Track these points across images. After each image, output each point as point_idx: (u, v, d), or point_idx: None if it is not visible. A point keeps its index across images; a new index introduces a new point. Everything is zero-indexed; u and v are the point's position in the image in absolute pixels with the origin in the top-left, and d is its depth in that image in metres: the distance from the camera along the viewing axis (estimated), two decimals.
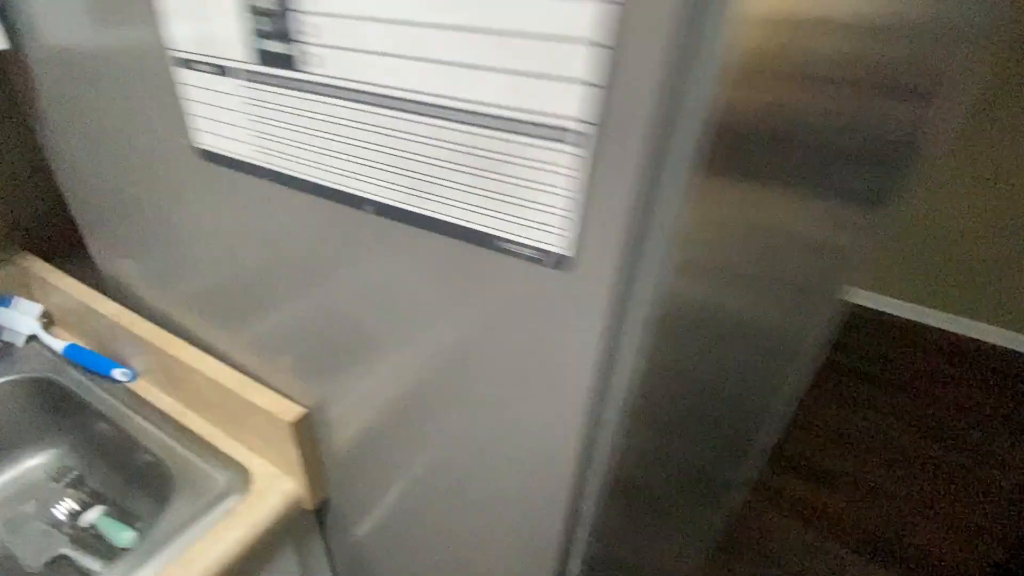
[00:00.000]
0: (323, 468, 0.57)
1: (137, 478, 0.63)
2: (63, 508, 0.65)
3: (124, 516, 0.64)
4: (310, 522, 0.64)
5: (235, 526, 0.51)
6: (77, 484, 0.69)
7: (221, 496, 0.54)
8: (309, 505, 0.57)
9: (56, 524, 0.64)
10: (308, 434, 0.53)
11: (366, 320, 0.39)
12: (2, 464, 0.69)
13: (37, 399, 0.68)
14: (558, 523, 0.36)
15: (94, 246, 0.67)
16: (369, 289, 0.36)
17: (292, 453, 0.53)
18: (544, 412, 0.32)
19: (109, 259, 0.66)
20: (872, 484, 1.62)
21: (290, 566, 0.61)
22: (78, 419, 0.67)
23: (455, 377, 0.36)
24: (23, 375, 0.67)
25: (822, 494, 1.59)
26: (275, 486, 0.56)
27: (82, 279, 0.69)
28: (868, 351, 2.16)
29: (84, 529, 0.63)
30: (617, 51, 0.21)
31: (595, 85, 0.22)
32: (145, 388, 0.66)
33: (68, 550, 0.61)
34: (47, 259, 0.73)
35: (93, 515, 0.64)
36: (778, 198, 0.32)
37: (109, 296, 0.67)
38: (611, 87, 0.21)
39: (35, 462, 0.71)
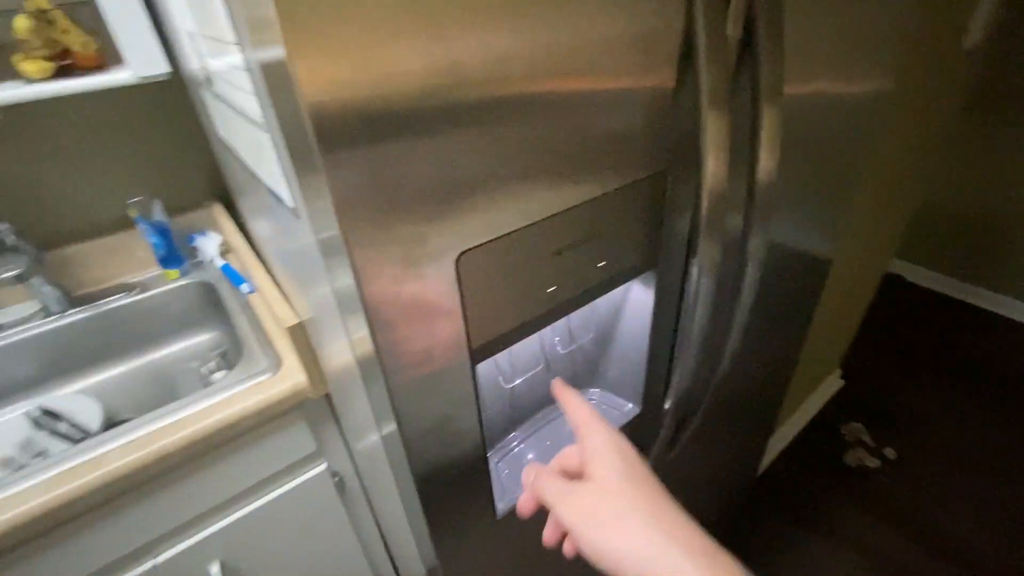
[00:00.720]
0: (320, 370, 0.78)
1: (239, 354, 0.95)
2: (207, 368, 1.01)
3: None
4: (323, 409, 0.87)
5: (256, 391, 0.76)
6: (222, 355, 1.04)
7: (258, 372, 0.80)
8: (312, 394, 0.80)
9: (202, 377, 1.00)
10: (303, 340, 0.75)
11: (285, 248, 0.57)
12: (185, 335, 1.08)
13: (207, 296, 1.06)
14: None
15: (237, 202, 1.00)
16: (272, 224, 0.55)
17: (291, 350, 0.75)
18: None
19: (242, 211, 0.98)
20: None
21: (304, 437, 0.85)
22: (224, 314, 1.02)
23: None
24: (200, 280, 1.05)
25: None
26: (292, 373, 0.79)
27: (237, 222, 1.04)
28: None
29: (212, 381, 0.97)
30: (262, 104, 0.34)
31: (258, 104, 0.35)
32: (255, 300, 0.97)
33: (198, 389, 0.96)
34: (227, 207, 1.10)
35: (220, 375, 0.98)
36: None
37: (246, 235, 0.99)
38: (263, 110, 0.35)
39: (203, 337, 1.09)
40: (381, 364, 0.37)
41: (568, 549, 0.33)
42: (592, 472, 0.32)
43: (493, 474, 0.54)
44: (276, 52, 0.26)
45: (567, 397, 0.36)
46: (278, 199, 0.44)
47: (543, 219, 0.40)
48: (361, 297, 0.33)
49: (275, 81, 0.30)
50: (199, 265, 1.09)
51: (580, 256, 0.45)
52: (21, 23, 0.71)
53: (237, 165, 0.61)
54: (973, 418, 1.75)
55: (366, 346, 0.38)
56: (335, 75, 0.26)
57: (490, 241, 0.37)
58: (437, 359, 0.40)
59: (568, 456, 0.35)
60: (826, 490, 1.55)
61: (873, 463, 1.60)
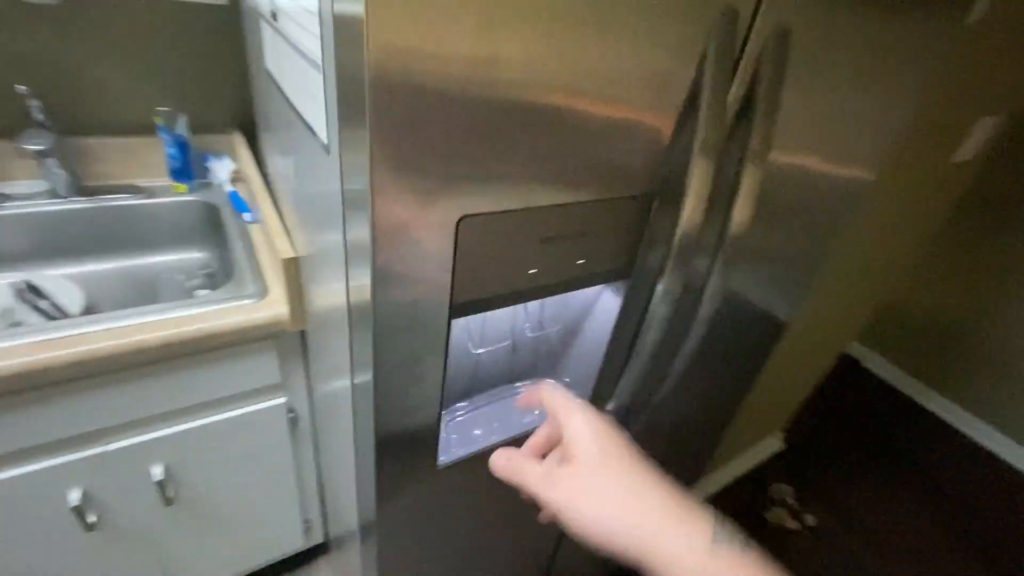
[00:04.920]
0: (304, 309, 0.83)
1: (228, 277, 0.99)
2: (192, 284, 1.05)
3: None
4: (297, 347, 0.91)
5: (239, 312, 0.81)
6: (209, 275, 1.08)
7: (245, 296, 0.84)
8: (290, 327, 0.84)
9: (185, 291, 1.04)
10: (293, 275, 0.79)
11: (303, 185, 0.62)
12: (179, 248, 1.11)
13: (209, 217, 1.09)
14: None
15: (260, 135, 1.04)
16: (299, 161, 0.60)
17: (280, 282, 0.80)
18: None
19: (263, 145, 1.02)
20: None
21: (271, 367, 0.90)
22: (221, 237, 1.06)
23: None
24: (206, 200, 1.08)
25: None
26: (275, 304, 0.84)
27: (256, 154, 1.08)
28: None
29: (196, 296, 1.01)
30: (323, 49, 0.39)
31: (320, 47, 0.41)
32: (255, 229, 1.01)
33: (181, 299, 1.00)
34: (247, 138, 1.14)
35: (202, 293, 1.02)
36: None
37: (260, 168, 1.04)
38: (324, 54, 0.40)
39: (196, 255, 1.13)
40: (374, 297, 0.42)
41: (543, 518, 0.35)
42: (574, 453, 0.33)
43: (442, 427, 0.59)
44: (355, 8, 0.32)
45: (541, 389, 0.38)
46: (312, 133, 0.49)
47: (538, 207, 0.46)
48: (372, 229, 0.39)
49: (346, 32, 0.35)
50: (208, 185, 1.12)
51: (563, 249, 0.51)
52: None
53: (276, 98, 0.66)
54: (896, 509, 1.85)
55: (364, 293, 0.43)
56: (399, 42, 0.32)
57: (490, 213, 0.43)
58: (421, 306, 0.46)
59: (538, 437, 0.37)
60: None
61: (792, 525, 1.69)
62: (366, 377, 0.50)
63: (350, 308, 0.51)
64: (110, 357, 0.72)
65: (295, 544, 1.22)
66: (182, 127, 1.04)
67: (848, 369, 2.47)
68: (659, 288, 0.55)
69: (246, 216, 1.03)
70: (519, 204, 0.44)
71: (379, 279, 0.41)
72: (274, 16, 0.55)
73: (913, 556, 1.68)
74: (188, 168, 1.08)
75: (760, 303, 0.82)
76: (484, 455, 0.65)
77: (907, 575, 1.62)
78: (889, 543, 1.71)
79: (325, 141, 0.45)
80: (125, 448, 0.83)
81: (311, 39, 0.44)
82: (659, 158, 0.51)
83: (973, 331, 2.15)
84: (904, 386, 2.41)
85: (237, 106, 1.14)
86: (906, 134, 0.83)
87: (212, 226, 1.09)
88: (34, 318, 0.90)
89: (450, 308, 0.47)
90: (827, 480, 1.90)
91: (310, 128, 0.49)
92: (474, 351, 0.59)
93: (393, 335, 0.46)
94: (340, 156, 0.42)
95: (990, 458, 2.12)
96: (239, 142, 1.13)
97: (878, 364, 2.50)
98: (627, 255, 0.58)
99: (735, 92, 0.51)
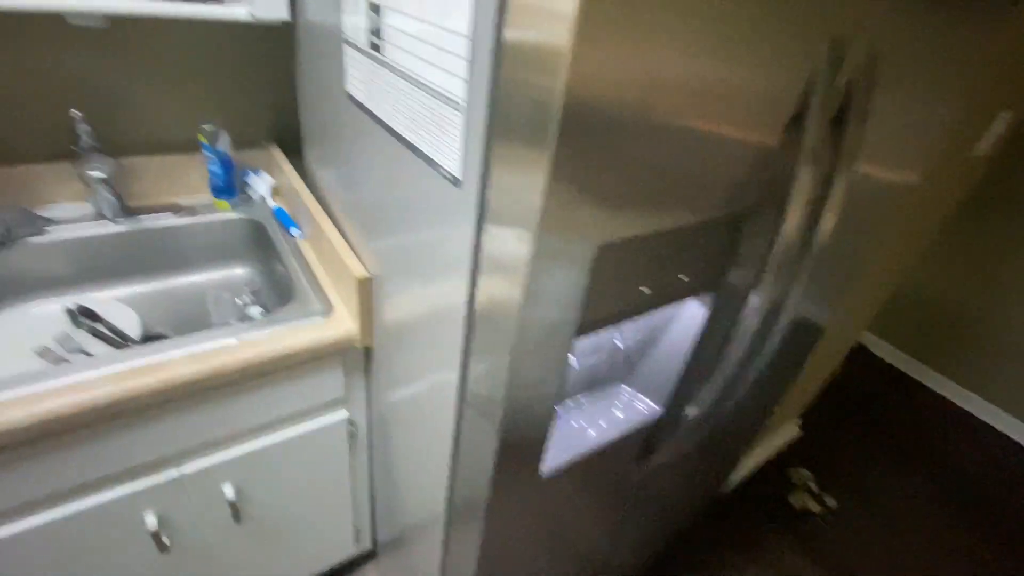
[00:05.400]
0: (373, 324, 0.84)
1: (281, 294, 0.99)
2: (242, 301, 1.05)
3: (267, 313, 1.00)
4: (359, 361, 0.92)
5: (311, 331, 0.81)
6: (255, 292, 1.08)
7: (313, 313, 0.85)
8: (359, 344, 0.85)
9: (235, 308, 1.04)
10: (367, 293, 0.80)
11: (392, 208, 0.63)
12: (223, 265, 1.11)
13: (252, 233, 1.09)
14: None
15: (307, 151, 1.04)
16: (393, 186, 0.61)
17: (355, 301, 0.81)
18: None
19: (312, 163, 1.03)
20: None
21: (337, 383, 0.91)
22: (268, 253, 1.06)
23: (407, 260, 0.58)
24: (250, 217, 1.08)
25: None
26: (342, 321, 0.85)
27: (297, 169, 1.08)
28: None
29: (247, 315, 1.01)
30: (471, 81, 0.41)
31: (465, 80, 0.42)
32: (305, 245, 1.01)
33: (233, 321, 1.00)
34: (284, 152, 1.14)
35: (254, 311, 1.02)
36: None
37: (306, 183, 1.04)
38: (471, 85, 0.41)
39: (239, 271, 1.12)
40: (518, 320, 0.44)
41: None
42: None
43: (549, 434, 0.61)
44: (548, 40, 0.33)
45: None
46: (433, 166, 0.50)
47: (663, 231, 0.48)
48: (526, 271, 0.40)
49: (525, 63, 0.37)
50: (248, 200, 1.12)
51: (671, 266, 0.53)
52: None
53: (363, 123, 0.66)
54: (910, 489, 1.92)
55: (509, 313, 0.44)
56: (597, 75, 0.33)
57: (625, 239, 0.45)
58: (550, 329, 0.47)
59: None
60: (769, 524, 1.68)
61: (815, 508, 1.74)
62: (488, 394, 0.51)
63: (470, 330, 0.52)
64: (192, 382, 0.73)
65: (346, 551, 1.24)
66: (225, 144, 1.04)
67: (857, 356, 2.54)
68: (753, 299, 0.58)
69: (294, 232, 1.03)
70: (650, 229, 0.46)
71: (525, 306, 0.43)
72: (375, 48, 0.55)
73: (928, 533, 1.75)
74: (231, 185, 1.08)
75: (810, 308, 0.86)
76: (584, 458, 0.68)
77: (924, 551, 1.69)
78: (905, 521, 1.78)
79: (456, 175, 0.47)
80: (199, 470, 0.84)
81: (441, 74, 0.45)
82: (763, 171, 0.53)
83: (980, 315, 2.23)
84: (911, 370, 2.49)
85: (275, 119, 1.14)
86: (943, 128, 0.86)
87: (256, 243, 1.09)
88: (93, 343, 0.89)
89: (577, 329, 0.49)
90: (843, 464, 1.96)
91: (429, 160, 0.51)
92: (575, 367, 0.61)
93: (522, 357, 0.48)
94: (480, 191, 0.44)
95: (998, 437, 2.21)
96: (279, 157, 1.13)
97: (885, 350, 2.57)
98: (718, 268, 0.60)
99: (834, 101, 0.54)
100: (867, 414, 2.23)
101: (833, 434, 2.09)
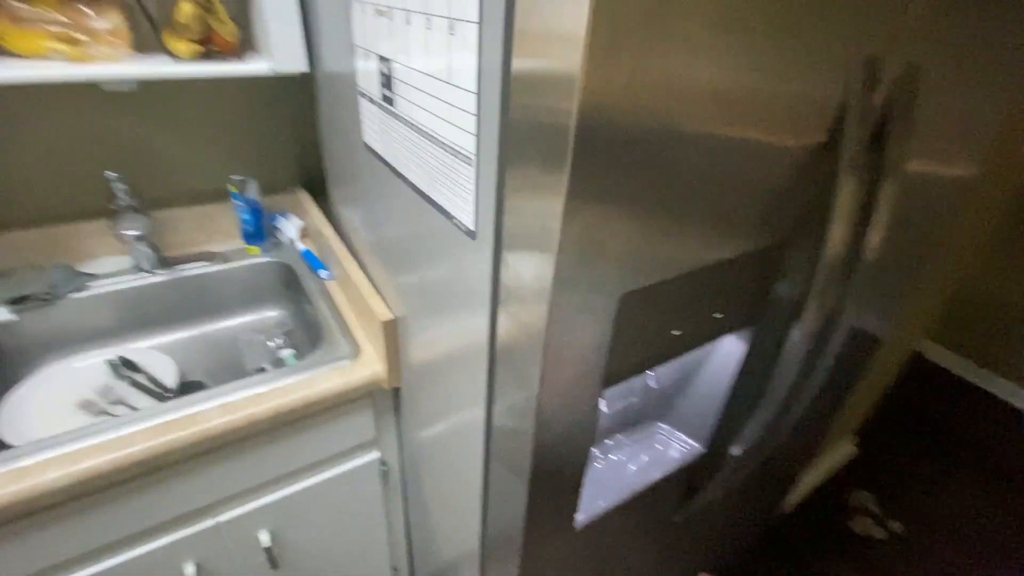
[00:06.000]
0: (399, 364, 0.83)
1: (311, 335, 1.00)
2: (274, 344, 1.06)
3: (300, 356, 1.01)
4: (388, 401, 0.91)
5: (339, 374, 0.81)
6: (287, 333, 1.09)
7: (340, 357, 0.85)
8: (386, 385, 0.85)
9: (268, 351, 1.05)
10: (392, 335, 0.80)
11: (413, 253, 0.62)
12: (255, 309, 1.13)
13: (282, 276, 1.11)
14: None
15: (332, 193, 1.06)
16: (411, 232, 0.60)
17: (381, 342, 0.80)
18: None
19: (337, 203, 1.04)
20: None
21: (367, 424, 0.90)
22: (298, 295, 1.07)
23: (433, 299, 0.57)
24: (279, 260, 1.10)
25: None
26: (369, 363, 0.84)
27: (324, 211, 1.09)
28: None
29: (279, 358, 1.02)
30: (480, 128, 0.39)
31: (474, 136, 0.41)
32: (333, 286, 1.02)
33: (267, 364, 1.01)
34: (311, 194, 1.16)
35: (286, 353, 1.03)
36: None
37: (333, 224, 1.05)
38: (479, 138, 0.40)
39: (271, 313, 1.14)
40: (541, 372, 0.42)
41: None
42: None
43: (583, 485, 0.58)
44: (562, 69, 0.31)
45: None
46: (447, 217, 0.49)
47: (691, 272, 0.45)
48: (544, 332, 0.38)
49: (530, 94, 0.35)
50: (277, 245, 1.14)
51: (703, 306, 0.50)
52: (187, 9, 0.78)
53: (380, 172, 0.66)
54: (980, 504, 1.77)
55: (531, 371, 0.42)
56: (607, 95, 0.31)
57: (648, 286, 0.42)
58: (576, 380, 0.45)
59: None
60: (829, 553, 1.58)
61: (879, 534, 1.63)
62: (515, 449, 0.49)
63: (491, 385, 0.50)
64: (224, 434, 0.73)
65: None
66: (253, 192, 1.07)
67: (913, 364, 2.39)
68: (796, 329, 0.54)
69: (323, 274, 1.04)
70: (676, 272, 0.44)
71: (547, 365, 0.41)
72: (388, 100, 0.55)
73: (1010, 558, 1.60)
74: (261, 231, 1.10)
75: (865, 323, 0.80)
76: (620, 506, 0.64)
77: (1002, 572, 1.55)
78: (982, 543, 1.64)
79: (471, 228, 0.45)
80: (235, 518, 0.84)
81: (451, 128, 0.44)
82: (799, 197, 0.50)
83: None
84: (972, 376, 2.32)
85: (299, 163, 1.17)
86: (1003, 115, 0.80)
87: (286, 285, 1.11)
88: (133, 393, 0.92)
89: (604, 380, 0.46)
90: (907, 483, 1.83)
91: (443, 211, 0.49)
92: (606, 411, 0.58)
93: (548, 416, 0.45)
94: (495, 244, 0.42)
95: None
96: (305, 200, 1.15)
97: (942, 355, 2.41)
98: (756, 301, 0.57)
99: (875, 104, 0.50)
100: (930, 428, 2.08)
101: (894, 451, 1.95)
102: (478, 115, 0.40)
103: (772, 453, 0.88)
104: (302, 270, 1.07)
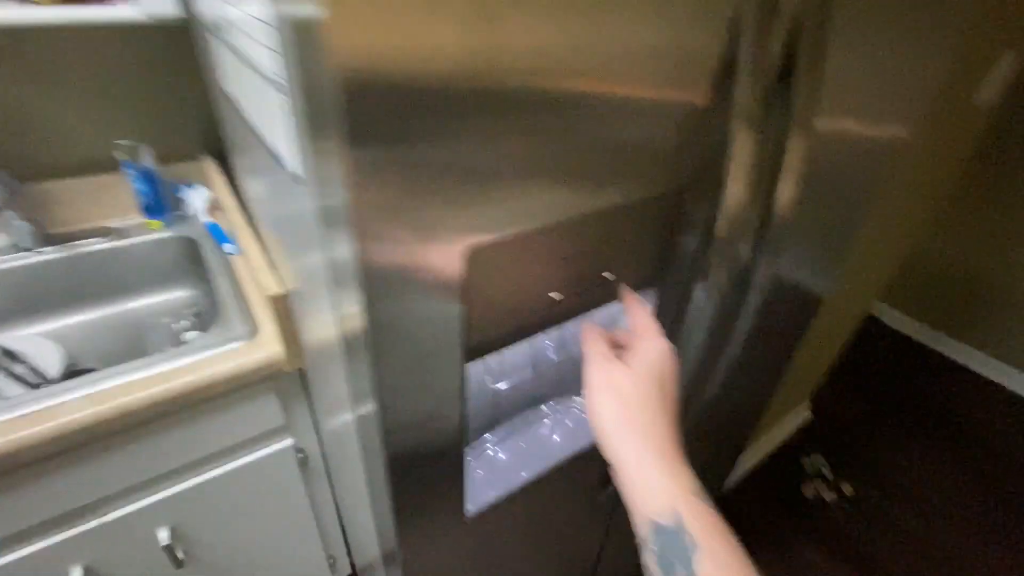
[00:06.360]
0: (298, 343, 0.76)
1: (211, 314, 0.92)
2: (180, 325, 0.98)
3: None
4: (297, 385, 0.84)
5: (230, 357, 0.74)
6: (197, 314, 1.01)
7: (232, 339, 0.77)
8: (286, 367, 0.77)
9: (172, 334, 0.97)
10: (283, 311, 0.72)
11: (278, 215, 0.55)
12: (162, 289, 1.04)
13: (188, 252, 1.02)
14: None
15: (232, 160, 0.96)
16: (271, 190, 0.52)
17: (270, 319, 0.73)
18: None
19: (237, 169, 0.94)
20: None
21: (273, 410, 0.83)
22: (205, 272, 0.98)
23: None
24: (183, 235, 1.01)
25: None
26: (266, 344, 0.77)
27: (230, 180, 1.00)
28: None
29: (184, 341, 0.94)
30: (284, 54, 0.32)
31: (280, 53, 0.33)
32: (238, 261, 0.93)
33: (168, 347, 0.93)
34: (221, 163, 1.06)
35: (192, 335, 0.95)
36: None
37: (238, 196, 0.96)
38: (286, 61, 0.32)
39: (180, 293, 1.05)
40: (371, 346, 0.35)
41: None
42: (632, 363, 0.38)
43: (466, 472, 0.52)
44: (311, 10, 0.24)
45: (631, 302, 0.43)
46: (279, 161, 0.42)
47: (557, 223, 0.39)
48: (360, 279, 0.31)
49: (305, 41, 0.28)
50: (184, 218, 1.05)
51: (587, 264, 0.44)
52: None
53: (238, 120, 0.58)
54: (932, 466, 1.79)
55: (356, 324, 0.36)
56: (372, 43, 0.24)
57: (503, 238, 0.36)
58: (428, 352, 0.38)
59: (617, 334, 0.43)
60: (782, 517, 1.58)
61: (830, 496, 1.64)
62: (369, 410, 0.43)
63: (349, 360, 0.44)
64: (92, 426, 0.65)
65: None
66: (147, 159, 0.96)
67: (868, 328, 2.40)
68: (700, 289, 0.48)
69: (228, 248, 0.95)
70: (537, 223, 0.37)
71: (377, 341, 0.34)
72: (220, 29, 0.47)
73: (958, 515, 1.63)
74: (160, 202, 1.00)
75: (797, 282, 0.75)
76: (517, 494, 0.59)
77: (954, 535, 1.57)
78: (931, 504, 1.66)
79: (295, 172, 0.38)
80: (126, 516, 0.77)
81: (265, 53, 0.36)
82: (692, 142, 0.44)
83: (998, 276, 2.08)
84: (927, 339, 2.35)
85: (204, 129, 1.06)
86: (935, 75, 0.75)
87: (194, 262, 1.02)
88: (11, 386, 0.83)
89: (463, 351, 0.40)
90: (860, 446, 1.85)
91: (276, 157, 0.42)
92: (491, 386, 0.52)
93: (395, 373, 0.39)
94: (316, 185, 0.35)
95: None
96: (211, 168, 1.05)
97: (897, 320, 2.43)
98: (655, 260, 0.51)
99: (772, 52, 0.44)
100: (883, 390, 2.10)
101: (847, 415, 1.97)
102: (278, 28, 0.32)
103: (704, 421, 0.84)
104: (208, 245, 0.98)
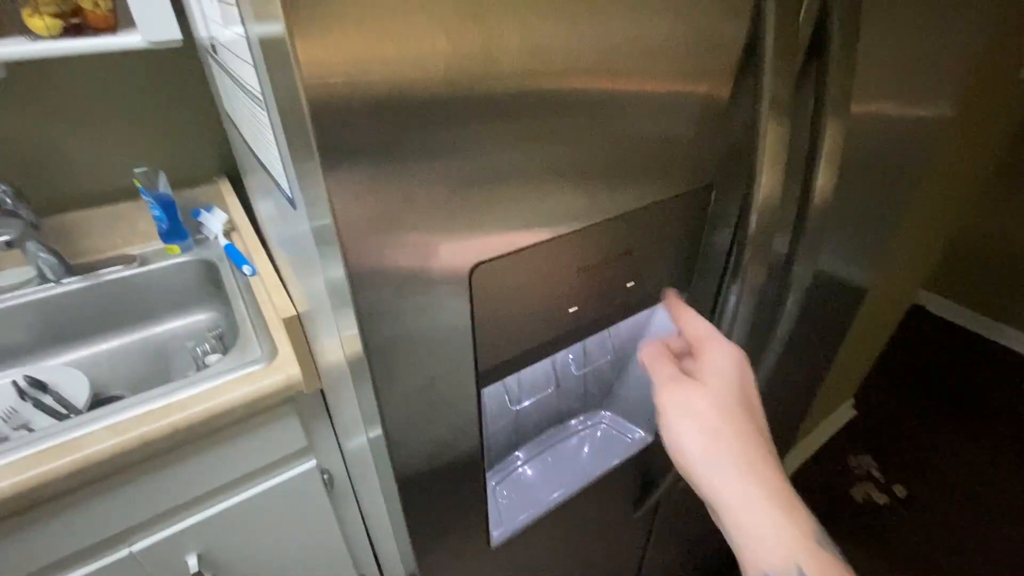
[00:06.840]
0: (314, 365, 0.74)
1: (231, 336, 0.91)
2: (202, 348, 0.98)
3: None
4: (317, 405, 0.83)
5: (248, 381, 0.72)
6: (219, 337, 1.01)
7: (251, 362, 0.76)
8: (305, 388, 0.76)
9: (196, 357, 0.97)
10: (298, 333, 0.71)
11: (285, 236, 0.53)
12: (183, 313, 1.04)
13: (208, 275, 1.02)
14: None
15: (245, 181, 0.96)
16: (276, 211, 0.50)
17: (287, 342, 0.71)
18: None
19: (249, 189, 0.94)
20: None
21: (295, 432, 0.81)
22: (224, 295, 0.98)
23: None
24: (203, 257, 1.01)
25: None
26: (284, 366, 0.75)
27: (244, 203, 1.00)
28: None
29: (207, 365, 0.94)
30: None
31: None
32: (255, 281, 0.93)
33: (191, 372, 0.92)
34: (235, 185, 1.06)
35: (214, 358, 0.94)
36: None
37: (252, 217, 0.95)
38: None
39: (201, 317, 1.05)
40: (371, 370, 0.33)
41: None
42: (706, 379, 0.33)
43: (490, 498, 0.49)
44: (275, 26, 0.22)
45: (679, 309, 0.38)
46: (276, 184, 0.40)
47: (571, 232, 0.35)
48: (353, 302, 0.29)
49: (274, 57, 0.26)
50: (203, 241, 1.05)
51: (608, 274, 0.41)
52: None
53: (241, 142, 0.57)
54: (987, 460, 1.68)
55: (356, 348, 0.33)
56: (342, 53, 0.22)
57: (511, 253, 0.33)
58: (438, 381, 0.36)
59: (674, 343, 0.38)
60: (831, 524, 1.50)
61: (881, 499, 1.55)
62: (376, 435, 0.40)
63: (353, 379, 0.41)
64: (114, 457, 0.65)
65: None
66: (163, 185, 0.97)
67: (913, 317, 2.28)
68: (734, 291, 0.44)
69: (246, 270, 0.95)
70: (547, 233, 0.34)
71: (377, 364, 0.32)
72: (214, 50, 0.45)
73: (1018, 513, 1.52)
74: (178, 227, 1.01)
75: (840, 273, 0.70)
76: (548, 516, 0.55)
77: (1015, 534, 1.46)
78: (991, 504, 1.55)
79: (289, 194, 0.36)
80: (154, 544, 0.76)
81: (249, 71, 0.34)
82: (716, 135, 0.40)
83: None
84: (976, 326, 2.22)
85: (218, 150, 1.07)
86: (980, 51, 0.69)
87: (213, 285, 1.02)
88: (39, 416, 0.83)
89: (477, 378, 0.37)
90: (910, 444, 1.75)
91: (273, 178, 0.40)
92: (513, 408, 0.49)
93: (403, 400, 0.36)
94: (306, 208, 0.33)
95: None
96: (227, 189, 1.05)
97: (943, 307, 2.31)
98: (684, 263, 0.47)
99: (802, 35, 0.40)
100: (932, 383, 1.99)
101: (895, 411, 1.86)
102: (251, 46, 0.30)
103: None
104: (227, 267, 0.98)
